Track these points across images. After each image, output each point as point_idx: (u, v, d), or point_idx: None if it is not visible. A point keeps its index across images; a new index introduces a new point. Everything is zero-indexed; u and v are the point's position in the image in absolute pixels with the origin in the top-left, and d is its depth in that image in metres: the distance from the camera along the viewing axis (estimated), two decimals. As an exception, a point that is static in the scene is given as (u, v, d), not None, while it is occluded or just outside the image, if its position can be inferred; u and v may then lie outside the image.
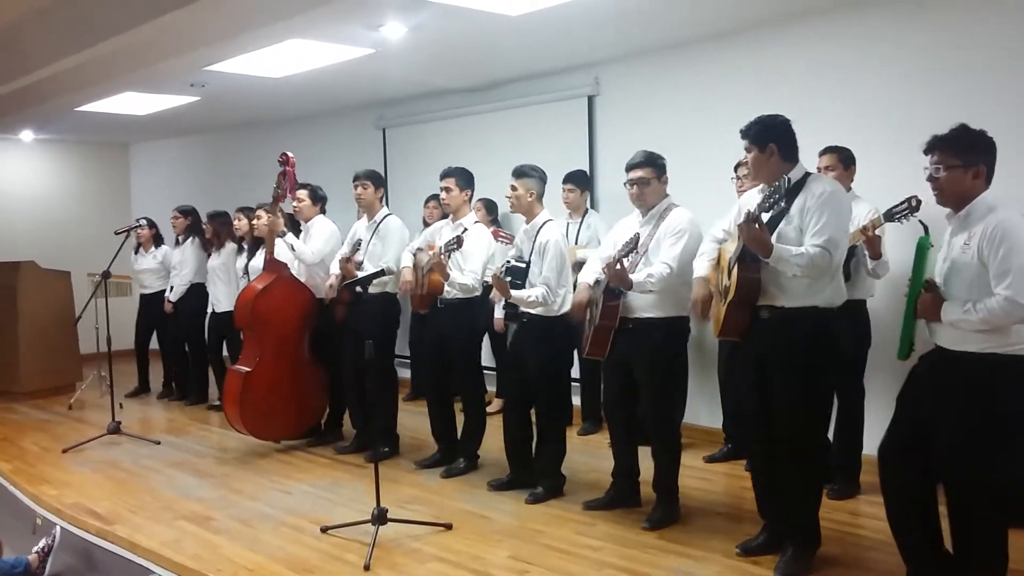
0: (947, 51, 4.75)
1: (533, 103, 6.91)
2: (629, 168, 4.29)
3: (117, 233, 7.06)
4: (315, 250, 5.92)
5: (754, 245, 3.44)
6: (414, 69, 6.52)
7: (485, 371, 6.20)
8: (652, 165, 4.25)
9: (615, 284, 4.12)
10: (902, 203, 3.95)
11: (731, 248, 3.77)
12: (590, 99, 6.57)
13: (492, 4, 4.84)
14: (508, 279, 4.59)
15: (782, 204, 3.47)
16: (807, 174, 3.65)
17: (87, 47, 5.48)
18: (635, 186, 4.26)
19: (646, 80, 6.23)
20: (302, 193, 5.98)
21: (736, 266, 3.60)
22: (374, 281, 5.45)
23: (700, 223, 4.28)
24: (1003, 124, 3.95)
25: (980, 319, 2.94)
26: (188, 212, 7.82)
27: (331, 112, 8.58)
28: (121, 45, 5.38)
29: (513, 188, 4.79)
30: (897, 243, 4.45)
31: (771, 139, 3.60)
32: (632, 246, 4.07)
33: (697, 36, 5.78)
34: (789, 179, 3.50)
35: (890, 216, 4.08)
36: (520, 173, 4.80)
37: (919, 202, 3.74)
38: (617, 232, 4.45)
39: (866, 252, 4.33)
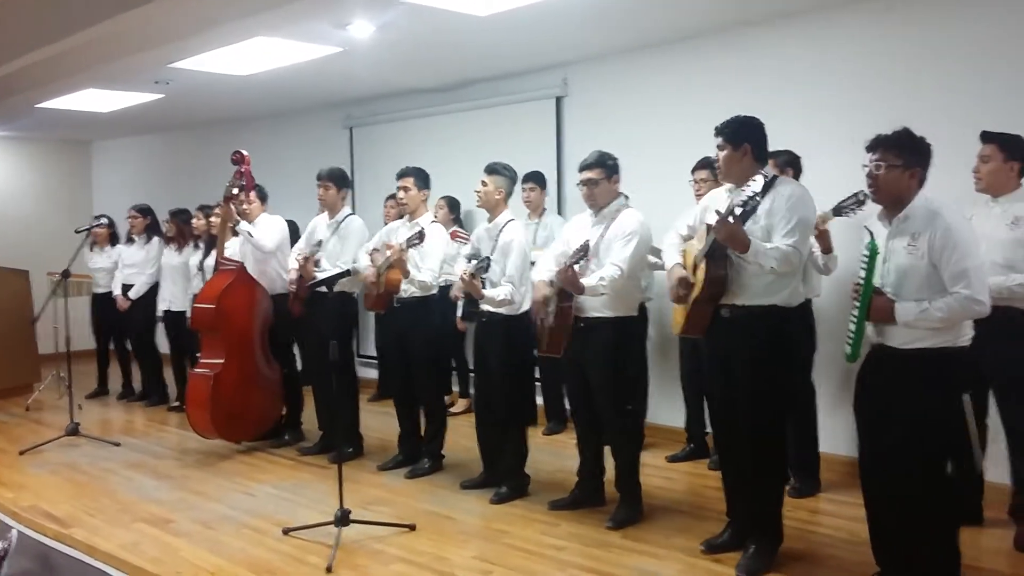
0: (911, 53, 4.82)
1: (501, 103, 6.91)
2: (581, 169, 4.36)
3: (78, 232, 6.96)
4: (270, 239, 5.87)
5: (731, 241, 3.48)
6: (382, 68, 6.49)
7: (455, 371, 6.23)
8: (602, 166, 4.30)
9: (566, 288, 4.16)
10: (849, 198, 4.03)
11: (695, 246, 3.81)
12: (558, 100, 6.58)
13: (460, 4, 4.83)
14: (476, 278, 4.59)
15: (759, 200, 3.49)
16: (775, 176, 3.69)
17: (49, 43, 5.39)
18: (586, 187, 4.32)
19: (614, 81, 6.25)
20: (251, 195, 5.94)
21: (704, 263, 3.63)
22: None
23: (667, 222, 4.32)
24: (967, 123, 4.04)
25: (940, 317, 3.04)
26: (147, 211, 7.74)
27: (298, 111, 8.53)
28: (84, 41, 5.30)
29: (484, 184, 4.81)
30: (840, 243, 4.51)
31: (746, 139, 3.66)
32: (583, 253, 4.11)
33: (664, 38, 5.82)
34: (766, 176, 3.53)
35: (838, 211, 4.15)
36: (492, 170, 4.82)
37: (866, 196, 3.80)
38: (570, 230, 4.52)
39: (817, 247, 4.39)
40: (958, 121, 4.27)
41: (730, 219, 3.46)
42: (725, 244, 3.52)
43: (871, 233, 3.23)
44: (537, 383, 6.25)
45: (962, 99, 4.59)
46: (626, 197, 4.42)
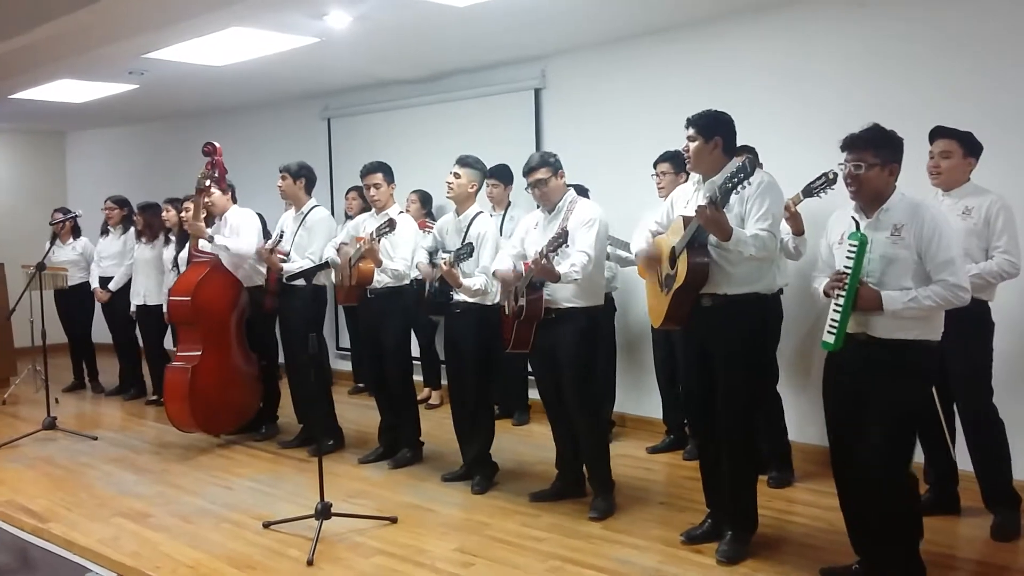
0: (886, 46, 4.85)
1: (480, 95, 6.88)
2: (527, 173, 4.41)
3: (52, 225, 6.88)
4: (250, 243, 5.82)
5: (713, 228, 3.49)
6: (359, 59, 6.46)
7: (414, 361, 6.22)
8: (546, 165, 4.37)
9: (542, 278, 4.19)
10: (819, 178, 4.04)
11: (667, 240, 3.83)
12: (537, 92, 6.57)
13: (438, -6, 4.82)
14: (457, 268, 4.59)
15: (749, 183, 3.50)
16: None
17: (22, 32, 5.32)
18: (536, 188, 4.38)
19: (592, 73, 6.25)
20: (212, 188, 5.87)
21: (685, 253, 3.65)
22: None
23: (642, 213, 4.35)
24: (939, 116, 4.08)
25: (928, 305, 3.09)
26: (123, 202, 7.68)
27: (275, 102, 8.46)
28: (58, 30, 5.24)
29: (456, 176, 4.81)
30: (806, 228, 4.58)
31: (718, 132, 3.69)
32: (562, 240, 4.10)
33: (643, 31, 5.81)
34: (750, 159, 3.54)
35: (808, 192, 4.16)
36: (465, 163, 4.83)
37: (836, 175, 3.83)
38: (522, 228, 4.56)
39: (788, 231, 4.43)
40: (941, 112, 4.31)
41: (715, 208, 3.46)
42: (708, 231, 3.54)
43: (857, 223, 3.25)
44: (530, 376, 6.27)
45: (937, 92, 4.63)
46: (585, 189, 4.45)
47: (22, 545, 4.43)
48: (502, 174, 6.12)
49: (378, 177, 5.19)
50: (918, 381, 3.22)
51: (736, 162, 3.69)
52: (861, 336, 3.22)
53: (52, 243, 7.63)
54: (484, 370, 4.82)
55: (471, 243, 4.65)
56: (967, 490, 4.16)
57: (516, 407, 6.34)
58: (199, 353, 5.70)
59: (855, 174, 3.20)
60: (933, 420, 4.05)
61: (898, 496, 3.25)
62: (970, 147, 3.91)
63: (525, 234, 4.50)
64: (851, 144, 3.22)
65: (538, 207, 4.52)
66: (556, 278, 4.13)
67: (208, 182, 5.73)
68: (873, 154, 3.17)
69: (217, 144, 5.74)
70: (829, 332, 3.25)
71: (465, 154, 4.88)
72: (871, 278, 3.18)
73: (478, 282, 4.62)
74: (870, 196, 3.22)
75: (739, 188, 3.50)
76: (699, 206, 3.53)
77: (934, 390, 3.73)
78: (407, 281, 5.20)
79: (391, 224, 4.89)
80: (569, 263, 4.15)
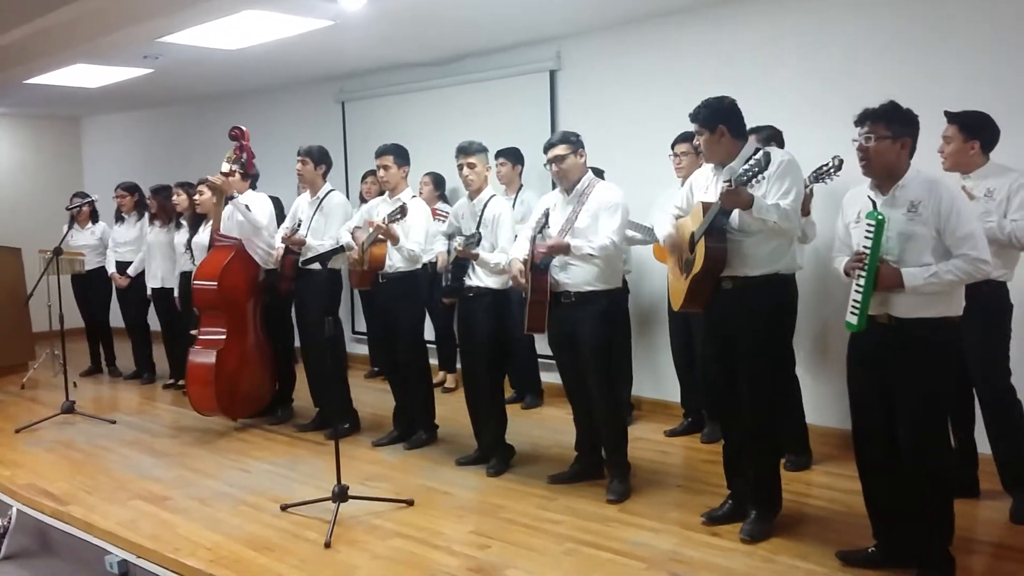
0: (902, 26, 4.79)
1: (495, 77, 6.84)
2: (546, 149, 4.39)
3: (69, 209, 6.90)
4: (264, 216, 5.82)
5: (736, 200, 3.50)
6: (374, 42, 6.43)
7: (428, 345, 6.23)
8: (567, 142, 4.36)
9: (553, 254, 4.25)
10: (827, 163, 4.01)
11: (687, 224, 3.83)
12: (552, 73, 6.52)
13: (452, -25, 4.78)
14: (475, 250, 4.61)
15: (762, 177, 3.49)
16: (767, 151, 3.68)
17: (36, 17, 5.32)
18: (555, 164, 4.35)
19: (608, 55, 6.20)
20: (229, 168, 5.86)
21: (703, 239, 3.65)
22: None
23: (661, 194, 4.34)
24: (938, 97, 4.03)
25: (950, 280, 3.09)
26: (134, 188, 7.70)
27: (289, 85, 8.45)
28: (72, 15, 5.24)
29: (471, 166, 4.80)
30: (815, 212, 4.57)
31: (720, 121, 3.70)
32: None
33: (657, 11, 5.76)
34: (769, 153, 3.53)
35: (817, 176, 4.13)
36: (467, 152, 4.81)
37: (842, 161, 3.85)
38: (539, 209, 4.55)
39: None
40: (941, 94, 4.27)
41: (731, 186, 3.48)
42: (731, 208, 3.55)
43: (874, 203, 3.23)
44: (541, 359, 6.26)
45: (949, 77, 4.58)
46: (601, 171, 4.44)
47: (43, 528, 4.47)
48: (510, 154, 6.10)
49: (388, 159, 5.18)
50: (946, 360, 3.20)
51: (752, 145, 3.72)
52: (883, 318, 3.21)
53: (70, 227, 7.66)
54: (497, 354, 4.82)
55: (478, 232, 4.66)
56: (985, 472, 4.14)
57: (528, 391, 6.34)
58: (223, 337, 5.70)
59: (865, 146, 3.21)
60: (964, 399, 4.02)
61: (938, 483, 3.22)
62: (971, 130, 3.87)
63: (544, 216, 4.46)
64: (863, 117, 3.23)
65: (554, 187, 4.50)
66: (564, 249, 4.19)
67: (235, 167, 5.71)
68: (884, 127, 3.17)
69: (244, 128, 5.71)
70: (852, 313, 3.24)
71: (464, 142, 4.85)
72: (890, 256, 3.18)
73: (498, 256, 4.63)
74: (880, 170, 3.22)
75: (754, 182, 3.50)
76: (721, 194, 3.54)
77: None
78: (420, 264, 5.20)
79: (403, 211, 4.88)
80: (587, 242, 4.18)
